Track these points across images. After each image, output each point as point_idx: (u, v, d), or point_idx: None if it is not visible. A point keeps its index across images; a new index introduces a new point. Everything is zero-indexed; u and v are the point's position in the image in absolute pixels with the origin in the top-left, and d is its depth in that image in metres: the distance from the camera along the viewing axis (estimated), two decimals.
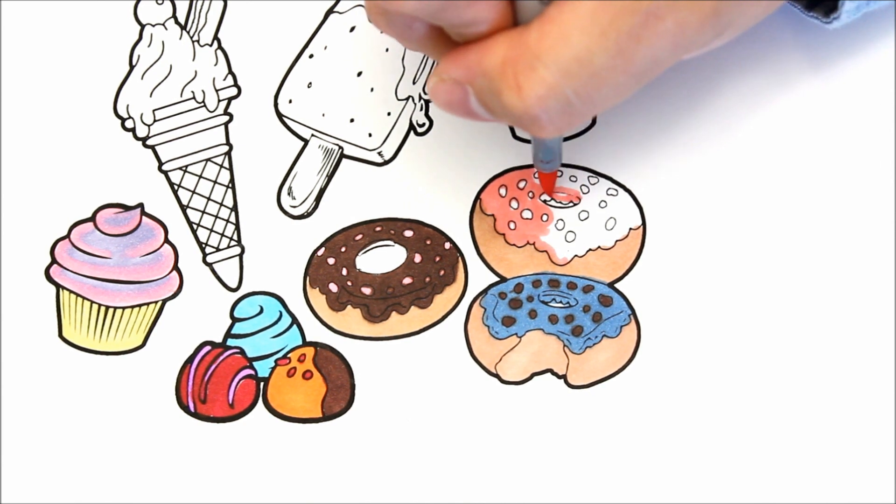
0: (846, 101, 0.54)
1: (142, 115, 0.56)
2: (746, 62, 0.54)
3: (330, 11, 0.57)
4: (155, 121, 0.56)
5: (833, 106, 0.54)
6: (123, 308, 0.54)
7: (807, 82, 0.54)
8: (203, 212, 0.55)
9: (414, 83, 0.56)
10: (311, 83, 0.56)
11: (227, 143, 0.56)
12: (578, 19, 0.43)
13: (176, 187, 0.55)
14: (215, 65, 0.57)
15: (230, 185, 0.55)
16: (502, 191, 0.54)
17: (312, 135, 0.56)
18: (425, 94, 0.56)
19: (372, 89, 0.56)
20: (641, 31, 0.43)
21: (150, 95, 0.56)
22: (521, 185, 0.54)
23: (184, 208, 0.55)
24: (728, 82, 0.54)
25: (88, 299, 0.54)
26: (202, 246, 0.55)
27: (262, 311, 0.54)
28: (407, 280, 0.53)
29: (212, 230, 0.55)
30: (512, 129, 0.55)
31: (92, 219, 0.55)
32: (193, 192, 0.55)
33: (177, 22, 0.57)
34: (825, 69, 0.54)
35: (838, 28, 0.52)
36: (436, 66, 0.47)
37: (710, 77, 0.54)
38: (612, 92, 0.45)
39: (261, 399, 0.52)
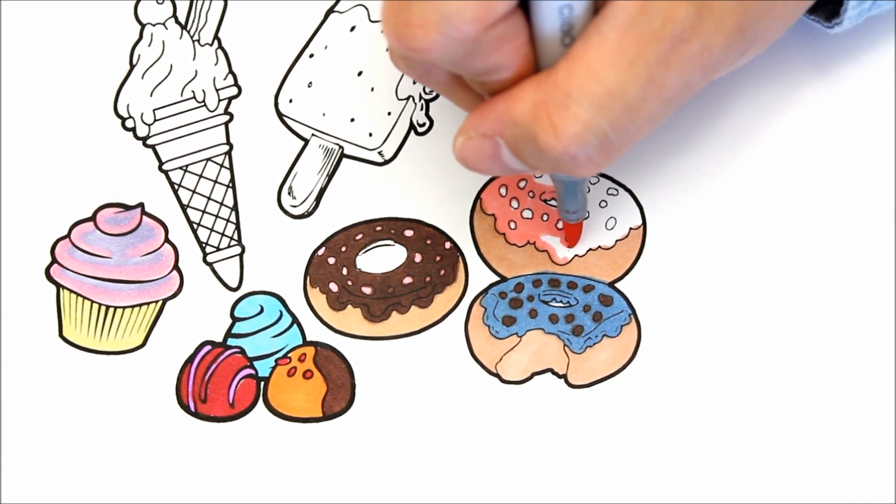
0: (847, 104, 0.54)
1: (142, 114, 0.56)
2: (747, 65, 0.54)
3: (330, 11, 0.57)
4: (155, 120, 0.56)
5: (834, 109, 0.54)
6: (124, 308, 0.54)
7: (808, 85, 0.54)
8: (203, 211, 0.55)
9: (414, 83, 0.56)
10: (311, 83, 0.56)
11: (228, 142, 0.56)
12: (605, 53, 0.43)
13: (176, 187, 0.56)
14: (216, 64, 0.57)
15: (230, 185, 0.55)
16: (503, 190, 0.54)
17: (313, 134, 0.56)
18: (426, 93, 0.56)
19: (372, 89, 0.56)
20: (669, 56, 0.43)
21: (151, 95, 0.56)
22: (522, 184, 0.54)
23: (184, 208, 0.55)
24: (729, 84, 0.54)
25: (89, 299, 0.54)
26: (202, 245, 0.55)
27: (262, 310, 0.54)
28: (407, 279, 0.53)
29: (212, 230, 0.55)
30: None
31: (92, 218, 0.55)
32: (194, 191, 0.55)
33: (177, 21, 0.57)
34: (826, 73, 0.54)
35: (840, 32, 0.52)
36: (462, 125, 0.46)
37: None
38: (647, 121, 0.44)
39: (261, 399, 0.52)
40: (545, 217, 0.54)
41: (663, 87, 0.44)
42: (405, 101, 0.56)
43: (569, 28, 0.43)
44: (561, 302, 0.53)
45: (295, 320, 0.53)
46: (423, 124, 0.56)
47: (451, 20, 0.42)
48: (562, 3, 0.43)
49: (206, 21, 0.57)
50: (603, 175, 0.54)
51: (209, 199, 0.55)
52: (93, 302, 0.54)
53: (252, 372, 0.53)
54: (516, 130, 0.44)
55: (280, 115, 0.56)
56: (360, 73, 0.56)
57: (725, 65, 0.46)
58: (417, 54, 0.43)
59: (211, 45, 0.57)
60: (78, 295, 0.54)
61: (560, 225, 0.54)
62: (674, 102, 0.45)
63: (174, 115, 0.56)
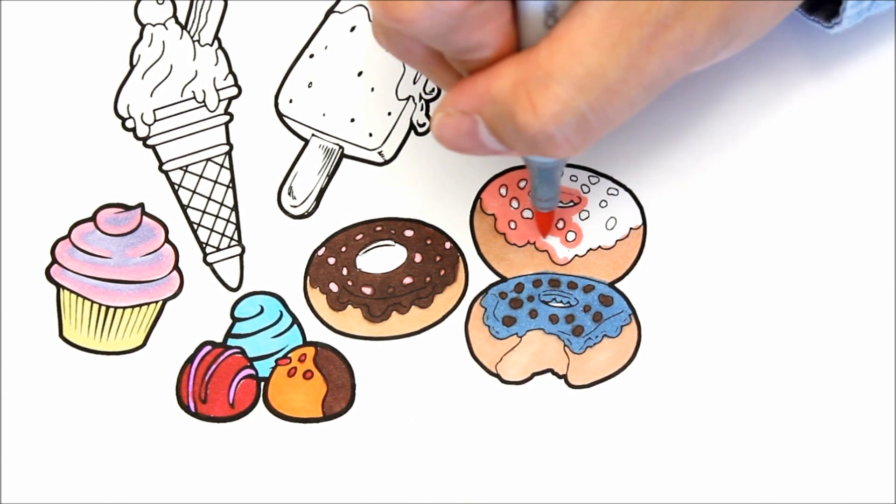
0: (846, 104, 0.54)
1: (142, 114, 0.56)
2: (747, 64, 0.54)
3: (330, 11, 0.57)
4: (155, 120, 0.56)
5: (833, 109, 0.54)
6: (124, 308, 0.54)
7: (807, 85, 0.54)
8: (203, 211, 0.55)
9: (414, 83, 0.56)
10: (311, 83, 0.56)
11: (228, 142, 0.56)
12: (588, 34, 0.43)
13: (176, 187, 0.56)
14: (216, 64, 0.57)
15: (231, 185, 0.55)
16: (503, 190, 0.54)
17: (313, 134, 0.56)
18: (426, 94, 0.56)
19: (372, 89, 0.56)
20: (651, 42, 0.43)
21: (151, 95, 0.56)
22: (522, 184, 0.54)
23: (184, 208, 0.55)
24: (729, 84, 0.54)
25: (89, 299, 0.54)
26: (202, 246, 0.55)
27: (262, 310, 0.54)
28: (407, 280, 0.53)
29: (212, 230, 0.55)
30: None
31: (92, 218, 0.55)
32: (194, 191, 0.55)
33: (177, 22, 0.57)
34: (826, 73, 0.54)
35: (839, 32, 0.52)
36: (440, 101, 0.46)
37: (710, 78, 0.54)
38: (626, 105, 0.44)
39: (261, 399, 0.52)
40: None
41: (644, 71, 0.44)
42: (405, 102, 0.56)
43: (553, 9, 0.43)
44: (561, 302, 0.53)
45: (295, 320, 0.53)
46: (423, 124, 0.56)
47: None
48: None
49: (206, 21, 0.57)
50: (603, 175, 0.54)
51: (209, 199, 0.55)
52: (93, 302, 0.54)
53: (252, 372, 0.53)
54: (495, 108, 0.45)
55: (280, 116, 0.56)
56: (360, 74, 0.56)
57: (708, 55, 0.46)
58: (402, 25, 0.43)
59: (211, 45, 0.57)
60: (78, 295, 0.54)
61: (561, 224, 0.54)
62: (654, 88, 0.45)
63: (174, 115, 0.56)
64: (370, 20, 0.57)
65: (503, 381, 0.52)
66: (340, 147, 0.56)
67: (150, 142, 0.56)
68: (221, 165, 0.56)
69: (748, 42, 0.47)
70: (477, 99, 0.45)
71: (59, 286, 0.54)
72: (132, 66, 0.57)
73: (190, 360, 0.53)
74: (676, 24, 0.44)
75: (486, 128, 0.45)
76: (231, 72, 0.57)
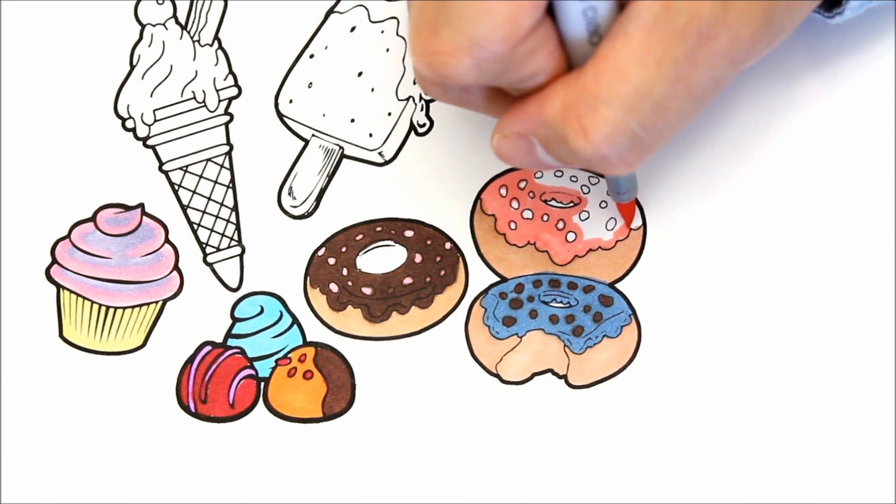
0: (846, 97, 0.54)
1: (142, 115, 0.56)
2: None
3: (330, 11, 0.57)
4: (155, 121, 0.56)
5: (833, 102, 0.54)
6: (124, 308, 0.54)
7: (807, 78, 0.54)
8: (203, 212, 0.55)
9: (414, 83, 0.56)
10: (311, 83, 0.56)
11: (228, 143, 0.56)
12: (632, 53, 0.43)
13: (176, 187, 0.56)
14: (216, 65, 0.57)
15: (231, 185, 0.55)
16: (503, 191, 0.54)
17: (313, 135, 0.56)
18: (426, 94, 0.56)
19: (372, 89, 0.56)
20: (696, 53, 0.43)
21: (151, 95, 0.56)
22: (522, 185, 0.54)
23: (184, 208, 0.55)
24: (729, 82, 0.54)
25: (89, 299, 0.54)
26: (203, 246, 0.55)
27: (262, 311, 0.54)
28: (407, 280, 0.53)
29: (212, 230, 0.55)
30: None
31: (92, 219, 0.55)
32: (194, 192, 0.55)
33: (177, 22, 0.57)
34: (826, 64, 0.54)
35: (840, 23, 0.52)
36: (497, 123, 0.46)
37: None
38: (677, 118, 0.44)
39: (261, 399, 0.52)
40: (545, 217, 0.54)
41: (692, 84, 0.44)
42: (405, 102, 0.56)
43: (595, 28, 0.44)
44: (561, 302, 0.53)
45: (295, 321, 0.53)
46: (424, 125, 0.56)
47: (480, 43, 0.42)
48: (585, 5, 0.43)
49: (206, 21, 0.57)
50: (602, 176, 0.54)
51: (209, 199, 0.55)
52: (93, 302, 0.54)
53: (252, 372, 0.53)
54: (548, 131, 0.45)
55: (280, 116, 0.56)
56: (360, 74, 0.56)
57: (753, 56, 0.45)
58: (451, 80, 0.43)
59: (211, 45, 0.57)
60: (78, 295, 0.54)
61: (561, 225, 0.54)
62: (703, 98, 0.45)
63: (174, 115, 0.56)
64: (370, 21, 0.57)
65: (503, 382, 0.52)
66: (340, 147, 0.56)
67: (150, 142, 0.56)
68: (221, 165, 0.56)
69: (787, 35, 0.47)
70: (530, 122, 0.45)
71: (59, 286, 0.54)
72: (132, 67, 0.57)
73: (190, 361, 0.53)
74: (721, 32, 0.43)
75: (542, 148, 0.46)
76: (231, 72, 0.57)
